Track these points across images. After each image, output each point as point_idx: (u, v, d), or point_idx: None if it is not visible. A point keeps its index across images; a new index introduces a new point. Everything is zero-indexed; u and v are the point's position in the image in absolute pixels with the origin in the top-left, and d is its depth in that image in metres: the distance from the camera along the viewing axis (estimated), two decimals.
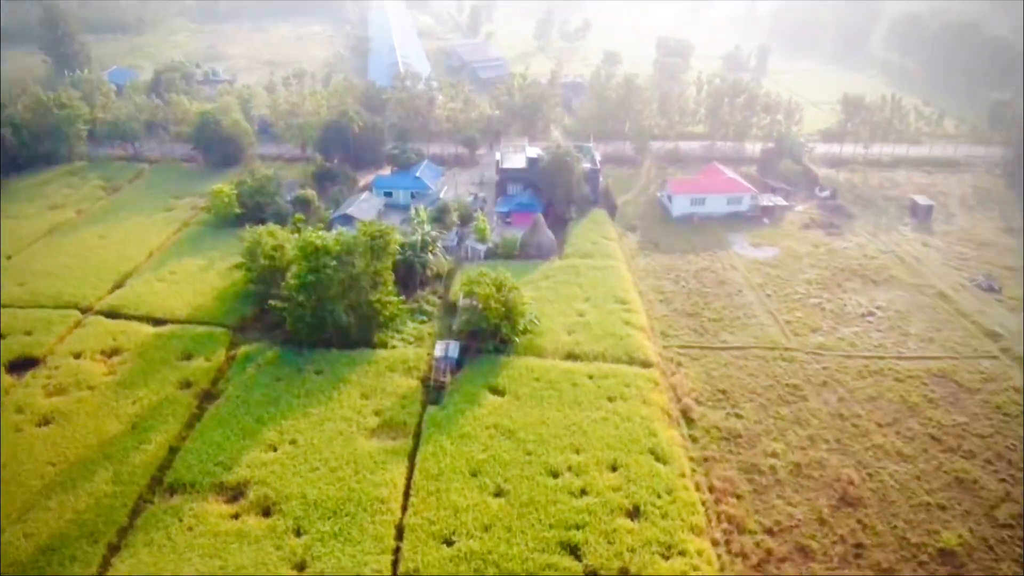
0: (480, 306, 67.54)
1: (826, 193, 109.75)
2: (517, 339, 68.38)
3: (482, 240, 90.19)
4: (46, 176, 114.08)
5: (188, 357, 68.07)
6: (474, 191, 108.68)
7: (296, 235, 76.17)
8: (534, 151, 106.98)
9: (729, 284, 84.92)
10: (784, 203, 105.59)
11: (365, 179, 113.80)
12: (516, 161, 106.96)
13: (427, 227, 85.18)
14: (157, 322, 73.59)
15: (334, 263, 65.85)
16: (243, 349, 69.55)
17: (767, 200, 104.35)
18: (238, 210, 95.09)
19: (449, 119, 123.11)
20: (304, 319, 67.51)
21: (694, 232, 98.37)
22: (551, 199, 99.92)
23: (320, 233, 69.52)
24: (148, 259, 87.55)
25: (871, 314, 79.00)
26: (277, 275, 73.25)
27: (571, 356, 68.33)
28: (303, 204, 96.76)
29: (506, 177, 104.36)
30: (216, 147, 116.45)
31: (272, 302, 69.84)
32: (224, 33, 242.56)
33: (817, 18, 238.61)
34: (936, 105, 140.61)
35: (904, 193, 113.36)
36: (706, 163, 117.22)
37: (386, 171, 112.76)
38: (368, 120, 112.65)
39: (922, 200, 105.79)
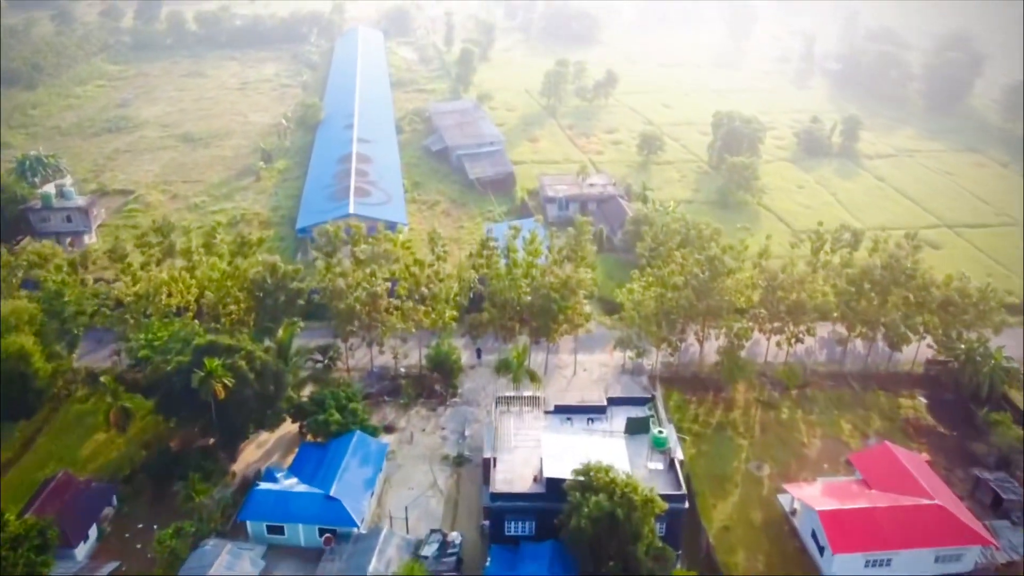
0: None
1: None
2: None
3: None
4: None
5: None
6: (440, 529, 57.10)
7: None
8: (555, 441, 56.67)
9: None
10: None
11: (249, 455, 64.12)
12: (520, 476, 55.85)
13: None
14: None
15: None
16: None
17: (1004, 555, 54.22)
18: None
19: (409, 316, 72.58)
20: None
21: None
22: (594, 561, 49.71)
23: None
24: None
25: None
26: None
27: None
28: None
29: (503, 510, 53.81)
30: None
31: None
32: (150, 79, 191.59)
33: (898, 62, 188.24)
34: None
35: None
36: (837, 385, 67.72)
37: (291, 440, 62.80)
38: (257, 366, 61.20)
39: None
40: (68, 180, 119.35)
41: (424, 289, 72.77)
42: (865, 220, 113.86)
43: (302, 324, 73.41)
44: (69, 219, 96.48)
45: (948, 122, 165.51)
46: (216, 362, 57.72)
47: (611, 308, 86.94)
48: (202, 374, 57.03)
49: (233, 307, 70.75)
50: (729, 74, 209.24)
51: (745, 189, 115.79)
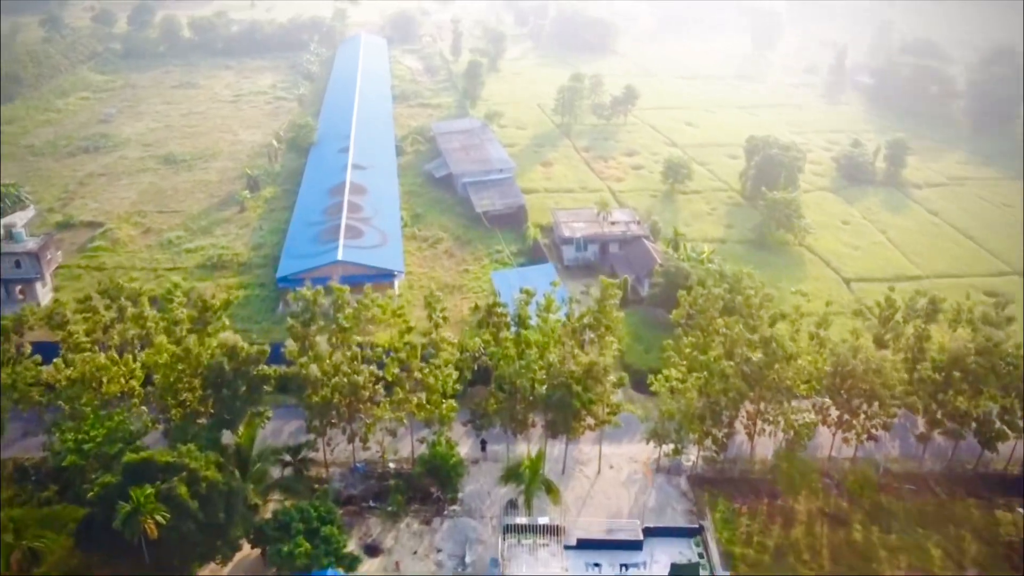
0: None
1: None
2: None
3: None
4: None
5: None
6: None
7: None
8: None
9: None
10: None
11: None
12: None
13: None
14: None
15: None
16: None
17: None
18: None
19: (400, 405, 59.85)
20: None
21: None
22: None
23: None
24: None
25: None
26: None
27: None
28: None
29: None
30: None
31: None
32: (138, 90, 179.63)
33: (939, 77, 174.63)
34: None
35: None
36: (917, 490, 54.66)
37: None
38: (202, 489, 48.41)
39: None
40: (29, 213, 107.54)
41: (418, 375, 59.93)
42: (923, 265, 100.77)
43: (270, 414, 60.98)
44: (18, 264, 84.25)
45: (999, 145, 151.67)
46: (147, 490, 45.20)
47: (637, 377, 74.32)
48: (128, 508, 44.54)
49: (187, 394, 58.25)
50: (754, 87, 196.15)
51: (786, 228, 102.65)
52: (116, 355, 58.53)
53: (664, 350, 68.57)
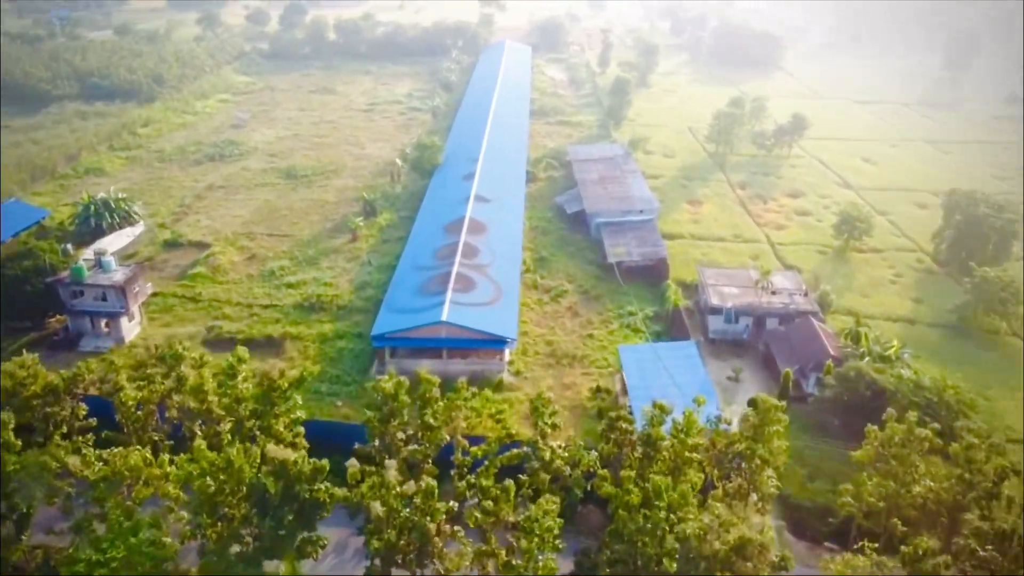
0: None
1: None
2: None
3: None
4: None
5: None
6: None
7: None
8: None
9: None
10: None
11: None
12: None
13: None
14: None
15: None
16: None
17: None
18: None
19: (484, 557, 46.60)
20: None
21: None
22: None
23: None
24: None
25: None
26: None
27: None
28: None
29: None
30: None
31: None
32: (276, 94, 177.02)
33: None
34: None
35: None
36: None
37: None
38: None
39: None
40: (138, 229, 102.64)
41: (509, 516, 46.35)
42: None
43: (325, 542, 49.23)
44: (104, 297, 77.62)
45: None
46: None
47: (797, 516, 57.88)
48: None
49: (229, 510, 47.41)
50: (946, 118, 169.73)
51: (1000, 314, 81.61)
52: (151, 454, 48.38)
53: (841, 495, 51.99)
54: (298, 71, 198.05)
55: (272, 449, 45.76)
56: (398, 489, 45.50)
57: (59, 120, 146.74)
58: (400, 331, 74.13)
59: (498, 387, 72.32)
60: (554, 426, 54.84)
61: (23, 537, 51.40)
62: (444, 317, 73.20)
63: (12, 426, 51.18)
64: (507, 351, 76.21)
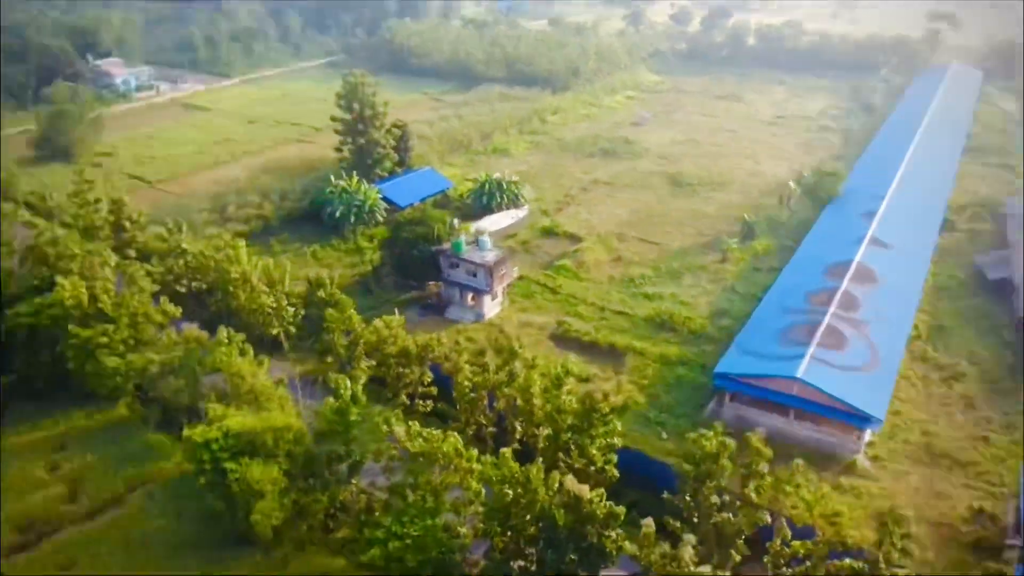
0: None
1: None
2: None
3: None
4: None
5: None
6: None
7: None
8: None
9: None
10: None
11: None
12: None
13: None
14: None
15: None
16: None
17: None
18: None
19: None
20: None
21: None
22: None
23: None
24: None
25: None
26: None
27: None
28: None
29: None
30: None
31: None
32: (682, 96, 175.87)
33: None
34: None
35: None
36: None
37: None
38: None
39: None
40: (521, 213, 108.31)
41: None
42: None
43: None
44: (475, 274, 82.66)
45: None
46: None
47: None
48: None
49: (520, 524, 46.12)
50: None
51: None
52: (461, 445, 48.93)
53: None
54: (709, 74, 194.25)
55: (569, 482, 43.04)
56: (691, 569, 39.85)
57: (484, 100, 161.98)
58: (746, 376, 66.97)
59: (848, 470, 61.68)
60: (905, 551, 44.12)
61: (353, 481, 56.11)
62: (799, 374, 64.17)
63: (363, 381, 55.92)
64: (869, 431, 64.57)
